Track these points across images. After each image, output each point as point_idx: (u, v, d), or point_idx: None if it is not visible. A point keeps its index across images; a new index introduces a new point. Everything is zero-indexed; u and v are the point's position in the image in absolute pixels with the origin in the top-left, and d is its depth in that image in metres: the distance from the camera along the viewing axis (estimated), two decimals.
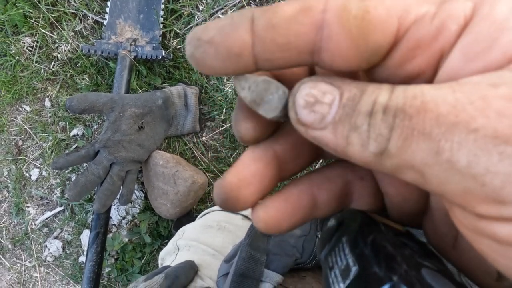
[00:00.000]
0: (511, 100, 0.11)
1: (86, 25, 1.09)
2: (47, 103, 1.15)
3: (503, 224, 0.11)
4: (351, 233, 0.16)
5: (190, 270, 0.60)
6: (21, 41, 1.12)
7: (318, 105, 0.13)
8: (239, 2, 0.97)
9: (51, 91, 1.14)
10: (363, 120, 0.12)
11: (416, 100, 0.11)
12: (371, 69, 0.14)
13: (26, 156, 1.16)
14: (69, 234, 1.14)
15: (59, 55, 1.10)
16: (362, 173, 0.18)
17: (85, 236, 1.10)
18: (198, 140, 1.03)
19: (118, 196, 0.92)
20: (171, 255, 0.70)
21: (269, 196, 0.16)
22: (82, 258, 1.13)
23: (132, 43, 0.99)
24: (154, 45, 1.00)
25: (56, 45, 1.10)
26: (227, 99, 0.99)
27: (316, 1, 0.13)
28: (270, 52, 0.13)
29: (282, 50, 0.13)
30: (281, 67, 0.14)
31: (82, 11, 1.08)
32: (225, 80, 1.00)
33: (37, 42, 1.12)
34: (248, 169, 0.15)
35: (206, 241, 0.66)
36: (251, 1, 0.97)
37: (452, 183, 0.11)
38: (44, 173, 1.15)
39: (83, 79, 1.10)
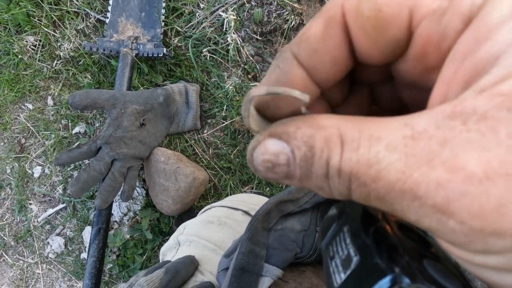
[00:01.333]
0: (451, 171, 0.11)
1: (88, 23, 1.10)
2: (50, 101, 1.15)
3: (486, 256, 0.12)
4: (352, 223, 0.16)
5: (190, 265, 0.60)
6: (24, 40, 1.13)
7: (277, 168, 0.14)
8: (239, 0, 0.98)
9: (54, 89, 1.14)
10: (322, 182, 0.13)
11: (371, 169, 0.12)
12: (398, 61, 0.15)
13: (28, 153, 1.17)
14: (71, 231, 1.15)
15: (61, 54, 1.11)
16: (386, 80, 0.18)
17: (87, 233, 1.10)
18: (199, 137, 1.04)
19: (119, 193, 0.93)
20: (172, 250, 0.70)
21: None
22: (84, 255, 1.13)
23: (134, 41, 1.00)
24: (156, 43, 1.00)
25: (59, 44, 1.11)
26: (227, 96, 0.99)
27: (334, 7, 0.14)
28: (323, 71, 0.15)
29: (331, 64, 0.15)
30: (336, 77, 0.15)
31: (85, 10, 1.09)
32: (225, 77, 1.00)
33: (40, 40, 1.12)
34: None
35: (207, 236, 0.66)
36: (251, 0, 0.98)
37: (424, 222, 0.12)
38: (46, 170, 1.16)
39: (85, 77, 1.10)
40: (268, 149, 0.14)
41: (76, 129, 1.13)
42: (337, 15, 0.14)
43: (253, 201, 0.74)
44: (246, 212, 0.70)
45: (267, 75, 0.15)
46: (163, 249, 0.74)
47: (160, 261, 0.75)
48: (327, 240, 0.18)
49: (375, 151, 0.12)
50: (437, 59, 0.14)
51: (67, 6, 1.08)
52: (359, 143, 0.12)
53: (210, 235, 0.66)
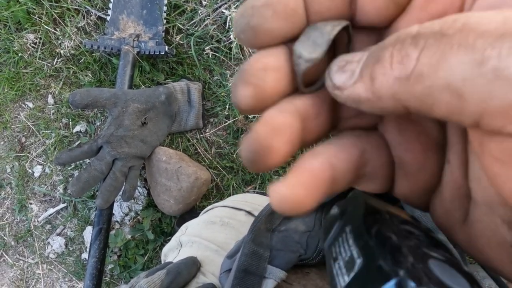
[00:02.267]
0: None
1: (89, 21, 1.09)
2: (50, 99, 1.14)
3: None
4: (354, 223, 0.16)
5: (192, 266, 0.59)
6: (24, 38, 1.12)
7: (348, 65, 0.13)
8: None
9: (54, 88, 1.13)
10: (387, 50, 0.12)
11: (457, 22, 0.10)
12: (399, 17, 0.15)
13: (29, 153, 1.16)
14: (71, 231, 1.14)
15: (62, 52, 1.10)
16: (377, 141, 0.17)
17: (88, 233, 1.09)
18: (201, 136, 1.03)
19: (121, 192, 0.92)
20: (173, 251, 0.70)
21: (288, 171, 0.15)
22: (84, 255, 1.12)
23: (135, 39, 0.99)
24: (157, 40, 0.99)
25: (59, 42, 1.10)
26: (230, 95, 0.98)
27: None
28: (319, 3, 0.14)
29: (329, 1, 0.14)
30: (328, 19, 0.15)
31: (85, 7, 1.08)
32: (228, 76, 0.99)
33: (40, 38, 1.11)
34: (278, 119, 0.14)
35: (209, 237, 0.65)
36: None
37: (496, 97, 0.10)
38: (47, 169, 1.15)
39: (86, 76, 1.10)
40: (350, 54, 0.14)
41: (77, 128, 1.12)
42: None
43: (256, 201, 0.73)
44: (249, 213, 0.69)
45: None
46: (165, 249, 0.74)
47: (162, 261, 0.75)
48: (330, 241, 0.17)
49: (469, 14, 0.11)
50: (447, 8, 0.13)
51: (67, 3, 1.07)
52: (444, 18, 0.11)
53: (212, 236, 0.65)
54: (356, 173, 0.16)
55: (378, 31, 0.16)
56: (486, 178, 0.13)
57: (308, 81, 0.16)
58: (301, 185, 0.14)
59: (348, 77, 0.13)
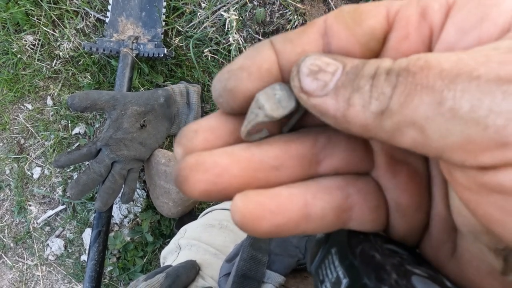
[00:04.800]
0: None
1: (88, 23, 1.09)
2: (49, 101, 1.14)
3: (508, 171, 0.11)
4: (339, 244, 0.16)
5: (191, 269, 0.59)
6: (23, 39, 1.12)
7: (321, 74, 0.14)
8: None
9: (53, 90, 1.13)
10: (366, 82, 0.13)
11: (420, 60, 0.12)
12: (376, 56, 0.15)
13: (28, 154, 1.16)
14: (71, 233, 1.14)
15: (61, 53, 1.09)
16: (367, 186, 0.16)
17: (87, 235, 1.09)
18: None
19: (120, 195, 0.92)
20: (172, 254, 0.70)
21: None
22: (84, 257, 1.12)
23: (134, 41, 0.98)
24: (156, 43, 0.99)
25: (58, 43, 1.10)
26: None
27: (317, 19, 0.15)
28: (292, 62, 0.15)
29: (301, 57, 0.15)
30: None
31: (84, 9, 1.08)
32: None
33: (39, 40, 1.11)
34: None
35: (208, 240, 0.65)
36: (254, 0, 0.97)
37: (453, 134, 0.11)
38: (46, 171, 1.15)
39: (85, 77, 1.09)
40: (321, 57, 0.14)
41: (76, 130, 1.12)
42: (319, 21, 0.15)
43: None
44: None
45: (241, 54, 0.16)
46: (163, 252, 0.74)
47: (161, 264, 0.75)
48: (316, 264, 0.17)
49: (424, 54, 0.12)
50: (420, 40, 0.14)
51: (66, 5, 1.07)
52: (410, 56, 0.13)
53: (211, 239, 0.65)
54: (338, 215, 0.16)
55: None
56: (465, 207, 0.14)
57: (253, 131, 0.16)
58: (258, 204, 0.14)
59: (320, 88, 0.13)
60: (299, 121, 0.17)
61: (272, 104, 0.15)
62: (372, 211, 0.16)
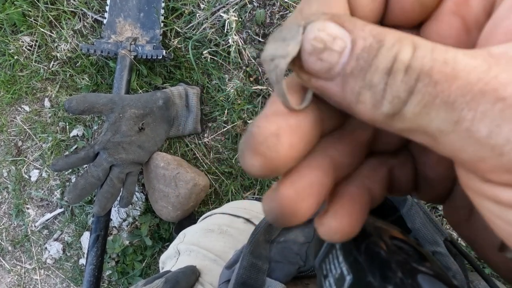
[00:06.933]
0: None
1: (85, 24, 1.07)
2: (47, 103, 1.13)
3: (506, 189, 0.11)
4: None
5: (191, 275, 0.59)
6: (20, 40, 1.10)
7: (326, 52, 0.12)
8: (240, 0, 0.95)
9: (51, 91, 1.12)
10: (380, 78, 0.11)
11: (447, 66, 0.11)
12: (430, 22, 0.14)
13: (25, 157, 1.15)
14: (69, 236, 1.13)
15: (58, 55, 1.08)
16: (403, 158, 0.17)
17: (85, 239, 1.08)
18: (200, 141, 1.01)
19: (118, 198, 0.91)
20: (171, 259, 0.69)
21: (330, 202, 0.15)
22: (82, 261, 1.11)
23: (132, 43, 0.97)
24: (155, 44, 0.98)
25: (56, 44, 1.09)
26: (229, 100, 0.97)
27: None
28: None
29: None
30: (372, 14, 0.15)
31: (82, 10, 1.06)
32: (226, 80, 0.98)
33: (36, 41, 1.10)
34: (306, 179, 0.13)
35: (207, 245, 0.65)
36: (253, 0, 0.95)
37: (466, 151, 0.11)
38: (44, 174, 1.14)
39: (83, 79, 1.08)
40: (326, 28, 0.12)
41: (74, 132, 1.11)
42: None
43: (255, 209, 0.73)
44: (248, 220, 0.68)
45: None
46: (162, 257, 0.73)
47: (160, 269, 0.74)
48: (320, 258, 0.17)
49: (453, 54, 0.11)
50: (479, 9, 0.13)
51: (63, 5, 1.06)
52: (434, 46, 0.11)
53: (210, 245, 0.65)
54: (387, 188, 0.17)
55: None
56: None
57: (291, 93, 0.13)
58: (349, 215, 0.14)
59: (324, 70, 0.12)
60: None
61: (278, 46, 0.12)
62: (409, 179, 0.18)
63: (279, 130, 0.12)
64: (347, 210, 0.14)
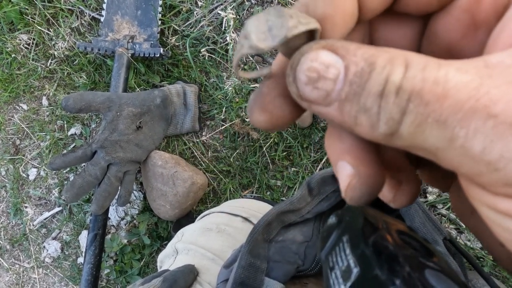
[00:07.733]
0: None
1: (83, 21, 1.07)
2: (45, 101, 1.13)
3: (505, 199, 0.11)
4: (352, 232, 0.16)
5: (189, 274, 0.59)
6: (18, 38, 1.10)
7: (321, 81, 0.12)
8: None
9: (49, 89, 1.12)
10: (373, 102, 0.11)
11: (438, 86, 0.11)
12: (440, 14, 0.14)
13: (23, 155, 1.15)
14: (67, 235, 1.13)
15: (56, 53, 1.08)
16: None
17: (84, 237, 1.08)
18: (198, 140, 1.01)
19: (116, 197, 0.91)
20: (169, 258, 0.69)
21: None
22: (80, 259, 1.11)
23: (130, 41, 0.97)
24: (152, 42, 0.97)
25: (53, 43, 1.08)
26: (227, 98, 0.97)
27: None
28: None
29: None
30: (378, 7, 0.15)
31: (79, 8, 1.06)
32: (224, 78, 0.97)
33: (34, 39, 1.09)
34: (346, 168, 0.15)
35: (205, 244, 0.65)
36: None
37: (464, 166, 0.11)
38: (42, 173, 1.14)
39: (80, 77, 1.08)
40: (319, 57, 0.12)
41: (72, 130, 1.11)
42: None
43: (253, 207, 0.72)
44: (246, 219, 0.68)
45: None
46: (160, 256, 0.73)
47: (158, 268, 0.74)
48: (327, 250, 0.17)
49: (444, 71, 0.11)
50: (490, 10, 0.13)
51: (60, 3, 1.05)
52: (426, 64, 0.11)
53: (208, 244, 0.64)
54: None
55: (412, 21, 0.16)
56: None
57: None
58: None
59: (322, 97, 0.12)
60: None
61: (260, 33, 0.12)
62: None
63: (285, 92, 0.14)
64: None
